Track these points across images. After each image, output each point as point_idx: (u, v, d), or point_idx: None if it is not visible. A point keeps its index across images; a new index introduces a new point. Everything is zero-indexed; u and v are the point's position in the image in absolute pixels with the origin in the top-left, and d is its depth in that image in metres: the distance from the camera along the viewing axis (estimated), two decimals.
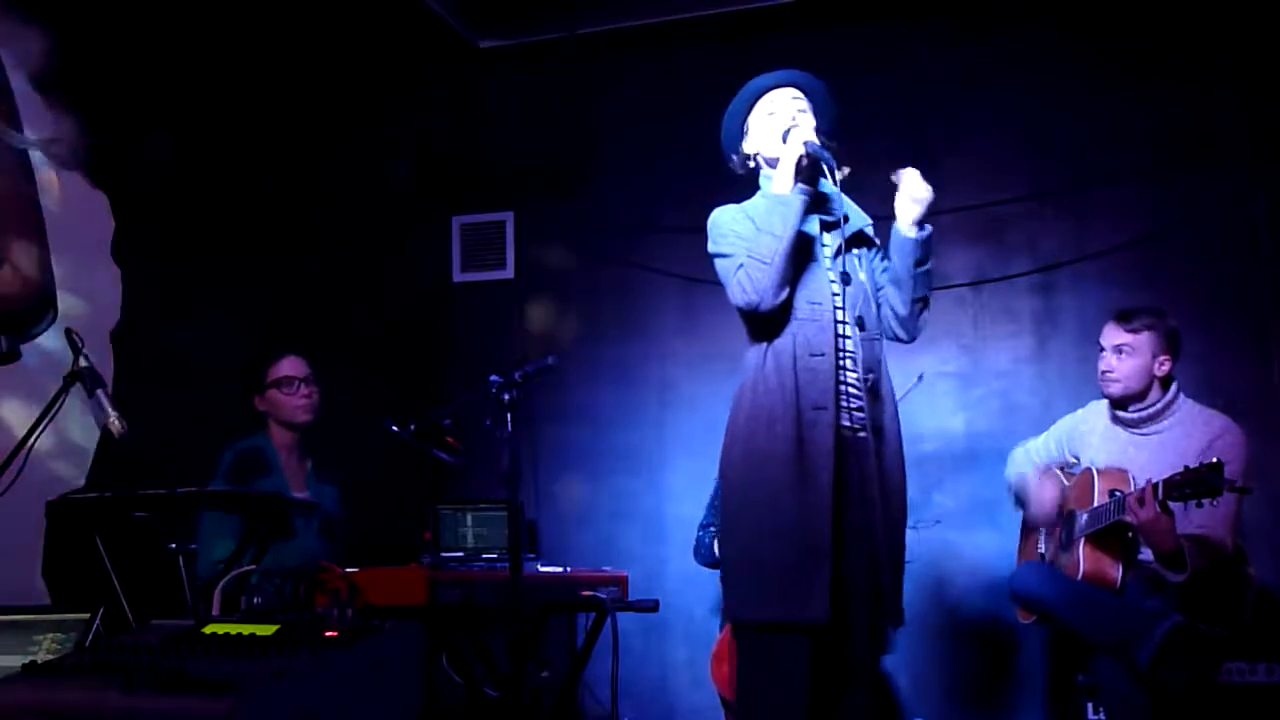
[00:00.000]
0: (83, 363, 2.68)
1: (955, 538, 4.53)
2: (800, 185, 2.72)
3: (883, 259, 2.84)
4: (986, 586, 4.30)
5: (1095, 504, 3.34)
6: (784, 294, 2.67)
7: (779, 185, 2.71)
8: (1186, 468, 3.00)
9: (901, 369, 4.65)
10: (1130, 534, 3.27)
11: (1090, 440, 3.55)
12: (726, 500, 2.76)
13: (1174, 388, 3.40)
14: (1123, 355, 3.40)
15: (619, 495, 4.91)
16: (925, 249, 2.75)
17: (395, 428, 3.45)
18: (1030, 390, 4.57)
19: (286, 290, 4.34)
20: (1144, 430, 3.41)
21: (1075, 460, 3.62)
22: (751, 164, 2.89)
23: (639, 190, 5.07)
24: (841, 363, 2.69)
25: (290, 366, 3.69)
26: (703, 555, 4.20)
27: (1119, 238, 4.50)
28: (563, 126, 5.11)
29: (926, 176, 2.77)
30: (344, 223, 4.80)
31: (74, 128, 3.47)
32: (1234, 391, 4.10)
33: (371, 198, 5.01)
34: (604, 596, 3.34)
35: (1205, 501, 3.00)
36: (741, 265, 2.68)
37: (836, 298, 2.72)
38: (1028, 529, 3.74)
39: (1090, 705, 3.34)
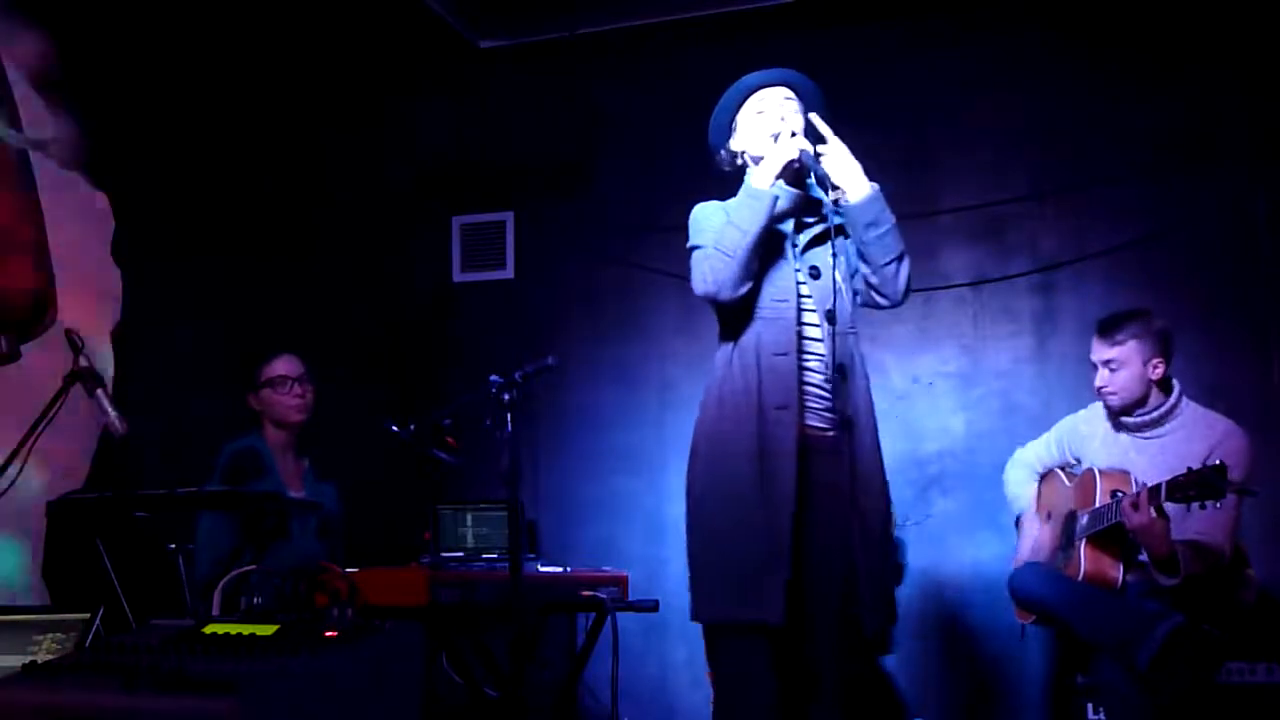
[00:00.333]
0: (83, 363, 2.69)
1: (955, 538, 4.53)
2: (782, 183, 2.71)
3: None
4: (986, 586, 4.29)
5: (1097, 504, 3.34)
6: (745, 288, 2.66)
7: (758, 180, 2.70)
8: (1190, 469, 2.98)
9: (902, 369, 4.73)
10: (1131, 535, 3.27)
11: (1092, 443, 3.54)
12: (689, 499, 2.74)
13: (1176, 390, 3.37)
14: (1113, 369, 3.37)
15: (619, 495, 4.91)
16: (874, 210, 2.70)
17: (395, 428, 3.45)
18: (1030, 390, 4.57)
19: (286, 290, 4.34)
20: (1147, 434, 3.39)
21: (1076, 462, 3.61)
22: (739, 161, 2.87)
23: (639, 190, 5.06)
24: (806, 362, 2.67)
25: (284, 366, 3.68)
26: None
27: (1119, 238, 4.50)
28: (563, 126, 5.10)
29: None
30: (344, 223, 4.80)
31: (74, 128, 3.47)
32: (1234, 392, 4.10)
33: (371, 198, 5.01)
34: (604, 596, 3.34)
35: (1209, 504, 2.99)
36: (707, 255, 2.68)
37: (805, 298, 2.70)
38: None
39: (1090, 706, 3.34)
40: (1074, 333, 4.46)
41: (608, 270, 5.11)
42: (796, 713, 2.61)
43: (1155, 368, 3.34)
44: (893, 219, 2.72)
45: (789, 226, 2.77)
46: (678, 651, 4.79)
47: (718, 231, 2.68)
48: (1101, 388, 3.41)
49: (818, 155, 2.71)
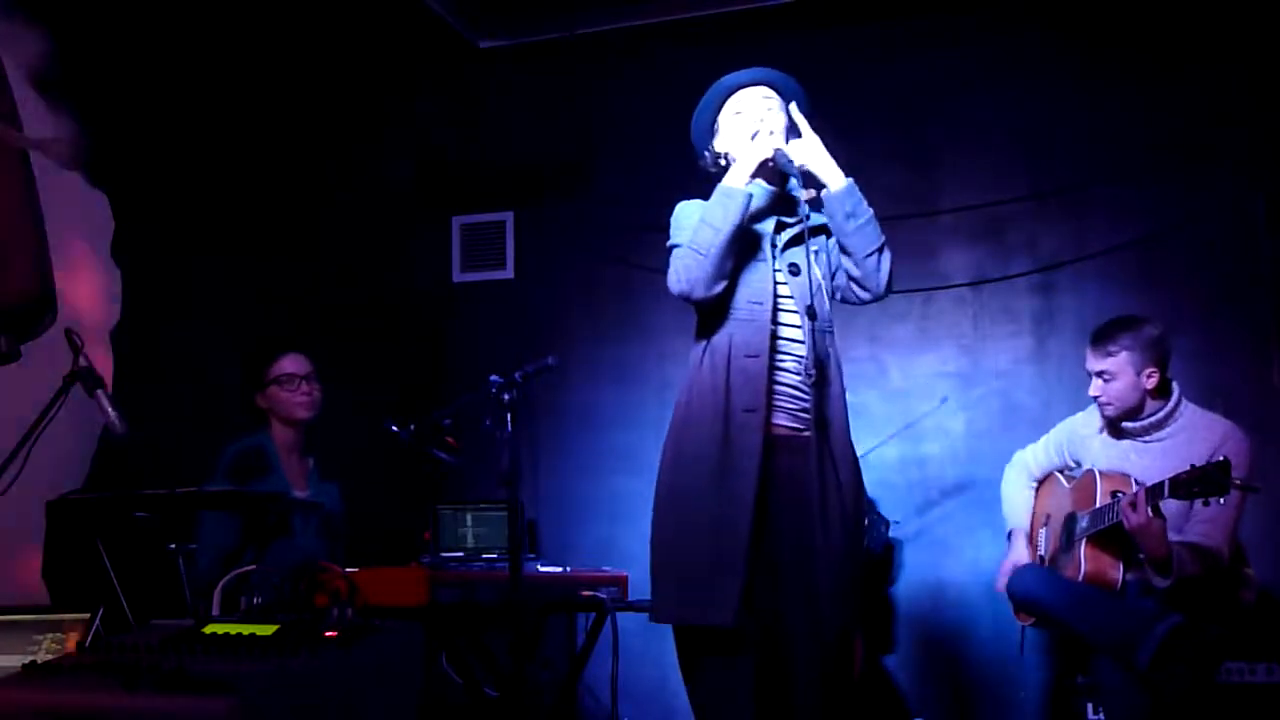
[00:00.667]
0: (83, 363, 2.69)
1: (955, 538, 4.54)
2: (761, 182, 2.71)
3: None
4: (986, 586, 4.29)
5: (1097, 505, 3.34)
6: (718, 287, 2.66)
7: (732, 179, 2.69)
8: (1193, 466, 2.98)
9: (903, 368, 4.73)
10: None
11: (1091, 446, 3.52)
12: (655, 499, 2.72)
13: (1175, 394, 3.34)
14: (1106, 379, 3.35)
15: (619, 495, 4.90)
16: (850, 202, 2.68)
17: (395, 428, 3.45)
18: (1030, 390, 4.57)
19: (286, 290, 4.34)
20: (1147, 439, 3.37)
21: (1075, 465, 3.61)
22: (723, 162, 2.85)
23: (639, 190, 5.05)
24: (781, 363, 2.65)
25: (291, 364, 3.68)
26: None
27: (1119, 238, 4.50)
28: (563, 126, 5.10)
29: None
30: (344, 222, 4.80)
31: (74, 128, 3.47)
32: (1234, 392, 4.10)
33: (371, 198, 5.00)
34: (604, 596, 3.35)
35: (1212, 501, 2.99)
36: (682, 254, 2.67)
37: (784, 298, 2.69)
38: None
39: (1090, 706, 3.34)
40: (1074, 333, 4.46)
41: (608, 270, 5.11)
42: (773, 714, 2.59)
43: (1149, 377, 3.31)
44: (870, 211, 2.71)
45: (769, 226, 2.76)
46: None
47: (692, 230, 2.68)
48: (1096, 397, 3.40)
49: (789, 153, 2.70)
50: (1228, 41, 4.37)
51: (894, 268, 2.75)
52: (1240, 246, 4.34)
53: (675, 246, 2.75)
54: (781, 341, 2.67)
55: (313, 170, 4.61)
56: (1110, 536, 3.27)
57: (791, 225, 2.77)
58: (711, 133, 2.88)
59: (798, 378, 2.65)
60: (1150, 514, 3.07)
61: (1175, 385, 3.37)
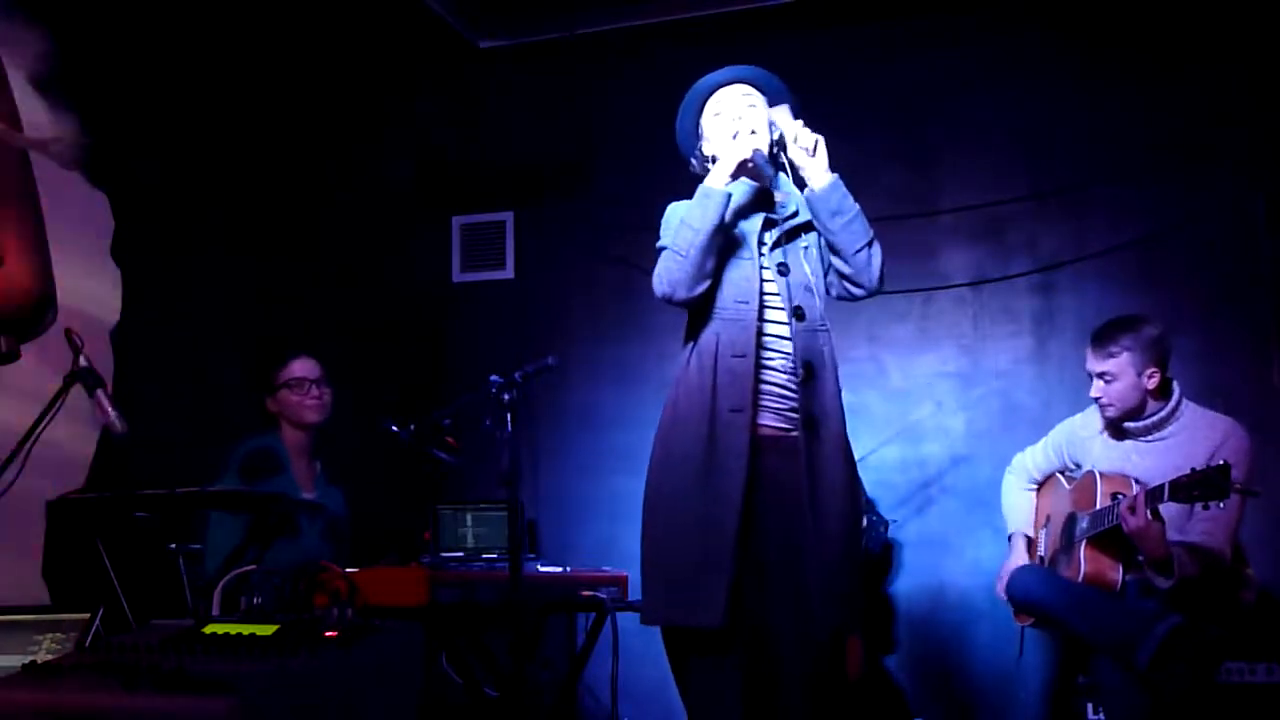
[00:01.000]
0: (83, 363, 2.68)
1: (955, 537, 4.53)
2: (745, 179, 2.71)
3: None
4: (986, 586, 4.29)
5: (1097, 507, 3.34)
6: (701, 287, 2.65)
7: (711, 180, 2.68)
8: (1194, 469, 2.97)
9: (903, 368, 4.73)
10: None
11: (1092, 447, 3.51)
12: (644, 500, 2.72)
13: (1175, 394, 3.34)
14: (1107, 381, 3.34)
15: (619, 495, 4.89)
16: (835, 199, 2.66)
17: (395, 428, 3.45)
18: (1030, 390, 4.57)
19: (286, 290, 4.35)
20: (1148, 439, 3.37)
21: (1076, 467, 3.60)
22: (709, 165, 2.82)
23: (639, 190, 5.04)
24: (768, 362, 2.64)
25: (301, 368, 3.69)
26: None
27: (1119, 238, 4.50)
28: (563, 126, 5.10)
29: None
30: (344, 222, 4.80)
31: (74, 128, 3.46)
32: (1234, 391, 4.10)
33: (371, 198, 5.01)
34: (604, 596, 3.35)
35: (1212, 504, 2.98)
36: (665, 256, 2.67)
37: (771, 296, 2.68)
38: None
39: (1090, 706, 3.34)
40: (1074, 333, 4.46)
41: (608, 270, 5.11)
42: (763, 713, 2.58)
43: (1150, 378, 3.30)
44: (857, 207, 2.69)
45: (756, 224, 2.75)
46: None
47: (674, 231, 2.68)
48: (1097, 399, 3.40)
49: (777, 149, 2.69)
50: (1228, 41, 4.37)
51: (886, 262, 2.74)
52: (1240, 246, 4.34)
53: (664, 248, 2.75)
54: (769, 340, 2.66)
55: (313, 170, 4.61)
56: (1110, 538, 3.27)
57: (780, 223, 2.76)
58: (697, 136, 2.88)
59: (786, 377, 2.64)
60: (1149, 517, 3.07)
61: (1176, 385, 3.37)
